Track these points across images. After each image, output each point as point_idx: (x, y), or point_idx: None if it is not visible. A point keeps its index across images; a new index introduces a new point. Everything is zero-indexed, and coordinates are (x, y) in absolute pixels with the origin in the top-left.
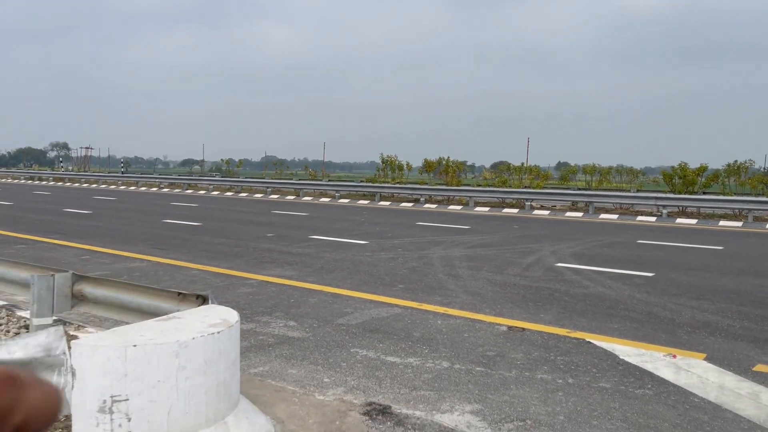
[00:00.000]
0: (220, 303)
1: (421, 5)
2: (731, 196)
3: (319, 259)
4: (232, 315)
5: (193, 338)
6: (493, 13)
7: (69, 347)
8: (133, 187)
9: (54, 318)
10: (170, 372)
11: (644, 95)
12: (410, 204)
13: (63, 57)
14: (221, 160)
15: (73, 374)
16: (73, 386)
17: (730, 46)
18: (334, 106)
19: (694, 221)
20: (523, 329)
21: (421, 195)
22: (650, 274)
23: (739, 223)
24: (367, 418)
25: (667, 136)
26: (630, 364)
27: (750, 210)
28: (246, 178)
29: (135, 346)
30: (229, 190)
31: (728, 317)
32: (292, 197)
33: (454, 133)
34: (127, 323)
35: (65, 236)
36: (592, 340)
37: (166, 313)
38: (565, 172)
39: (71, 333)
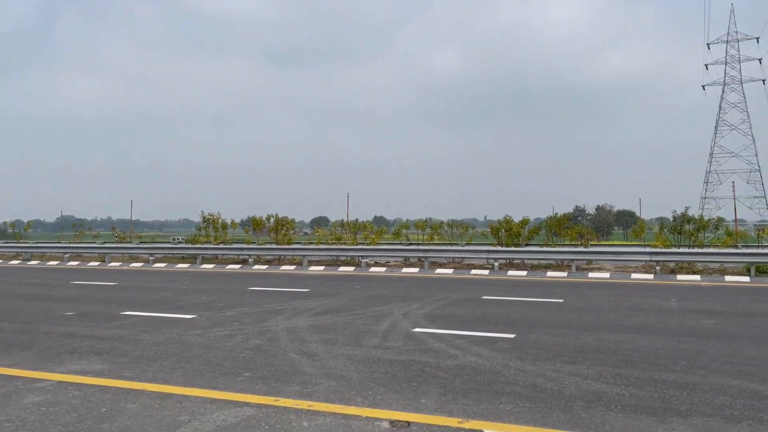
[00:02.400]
0: None
1: (237, 64)
2: (555, 247)
3: (137, 343)
4: None
5: None
6: (314, 73)
7: None
8: None
9: None
10: None
11: (451, 152)
12: (237, 266)
13: None
14: (4, 222)
15: None
16: None
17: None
18: (142, 164)
19: (524, 273)
20: (409, 423)
21: (249, 255)
22: (511, 336)
23: (564, 273)
24: None
25: (473, 190)
26: None
27: (573, 260)
28: (37, 242)
29: None
30: (15, 257)
31: (611, 384)
32: (97, 263)
33: (271, 190)
34: None
35: None
36: (491, 431)
37: None
38: (398, 227)
39: None
